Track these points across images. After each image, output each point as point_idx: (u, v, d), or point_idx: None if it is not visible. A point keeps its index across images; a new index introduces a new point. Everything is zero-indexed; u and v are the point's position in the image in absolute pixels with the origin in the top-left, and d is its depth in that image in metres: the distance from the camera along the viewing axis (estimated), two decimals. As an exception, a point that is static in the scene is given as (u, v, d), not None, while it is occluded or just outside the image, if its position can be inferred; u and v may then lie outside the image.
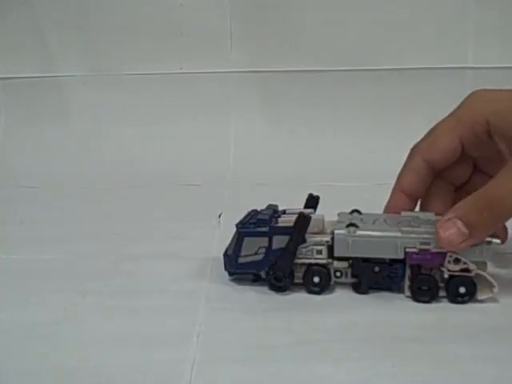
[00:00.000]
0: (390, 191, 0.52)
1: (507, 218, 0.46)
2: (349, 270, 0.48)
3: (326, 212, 0.50)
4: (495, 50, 0.77)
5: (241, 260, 0.49)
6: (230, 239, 0.50)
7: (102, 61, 0.81)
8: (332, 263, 0.48)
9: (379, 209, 0.52)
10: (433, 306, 0.47)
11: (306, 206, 0.51)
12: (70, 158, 0.80)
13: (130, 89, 0.81)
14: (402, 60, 0.78)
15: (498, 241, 0.46)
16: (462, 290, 0.46)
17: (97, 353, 0.41)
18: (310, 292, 0.48)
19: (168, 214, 0.66)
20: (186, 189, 0.73)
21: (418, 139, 0.52)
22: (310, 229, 0.48)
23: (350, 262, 0.48)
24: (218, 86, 0.81)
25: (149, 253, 0.56)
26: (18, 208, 0.68)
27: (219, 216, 0.64)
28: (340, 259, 0.48)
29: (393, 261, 0.47)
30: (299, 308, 0.47)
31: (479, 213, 0.45)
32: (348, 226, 0.47)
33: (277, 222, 0.48)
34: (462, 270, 0.46)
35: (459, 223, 0.45)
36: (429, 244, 0.46)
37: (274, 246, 0.48)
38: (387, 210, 0.52)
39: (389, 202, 0.52)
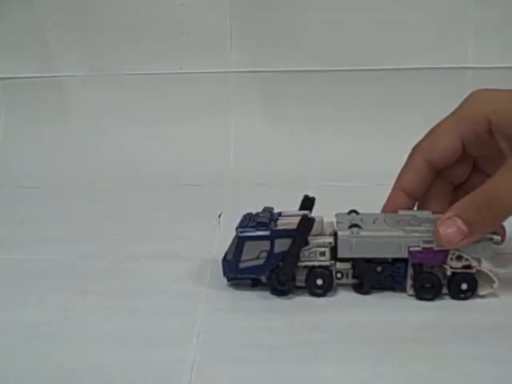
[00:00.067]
0: (389, 191, 0.52)
1: (506, 217, 0.46)
2: (350, 271, 0.48)
3: (326, 212, 0.50)
4: (495, 49, 0.77)
5: (241, 265, 0.48)
6: (230, 241, 0.50)
7: (102, 61, 0.81)
8: (334, 265, 0.48)
9: (379, 209, 0.52)
10: (433, 305, 0.47)
11: (301, 208, 0.50)
12: (70, 158, 0.80)
13: (130, 89, 0.81)
14: (401, 60, 0.78)
15: (498, 237, 0.47)
16: (464, 286, 0.47)
17: (97, 353, 0.41)
18: (313, 295, 0.48)
19: (168, 214, 0.66)
20: (185, 189, 0.73)
21: (418, 139, 0.52)
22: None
23: (352, 262, 0.48)
24: (218, 86, 0.81)
25: (149, 253, 0.56)
26: (17, 208, 0.68)
27: (219, 216, 0.64)
28: (342, 260, 0.48)
29: (395, 260, 0.47)
30: (299, 308, 0.47)
31: (478, 211, 0.45)
32: (350, 226, 0.47)
33: (276, 225, 0.48)
34: (464, 267, 0.47)
35: (459, 221, 0.45)
36: (432, 242, 0.46)
37: (276, 249, 0.47)
38: (386, 208, 0.52)
39: (388, 200, 0.52)
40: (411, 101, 0.78)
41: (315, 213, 0.50)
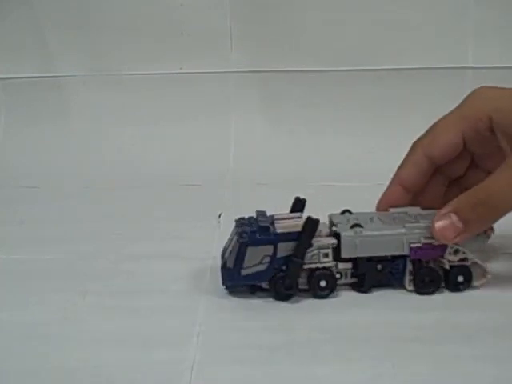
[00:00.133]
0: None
1: (502, 215, 0.46)
2: (349, 271, 0.48)
3: (326, 212, 0.50)
4: (495, 49, 0.77)
5: (244, 272, 0.46)
6: (230, 234, 0.49)
7: (102, 61, 0.81)
8: (336, 265, 0.48)
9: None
10: (433, 305, 0.47)
11: (292, 210, 0.50)
12: (70, 158, 0.80)
13: (130, 89, 0.81)
14: (401, 60, 0.78)
15: (491, 231, 0.48)
16: (461, 278, 0.48)
17: (97, 353, 0.41)
18: (317, 296, 0.47)
19: (168, 214, 0.66)
20: (185, 189, 0.73)
21: (419, 139, 0.52)
22: None
23: (353, 262, 0.48)
24: (218, 86, 0.81)
25: (149, 253, 0.56)
26: (17, 208, 0.68)
27: (219, 216, 0.64)
28: (343, 260, 0.47)
29: (394, 257, 0.48)
30: (299, 308, 0.46)
31: (474, 208, 0.46)
32: (352, 226, 0.47)
33: (275, 229, 0.47)
34: (460, 260, 0.48)
35: (454, 218, 0.46)
36: (432, 238, 0.47)
37: (279, 253, 0.46)
38: (383, 201, 0.52)
39: (385, 193, 0.52)
40: (411, 101, 0.78)
41: (315, 213, 0.49)
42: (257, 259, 0.46)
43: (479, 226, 0.47)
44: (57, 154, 0.80)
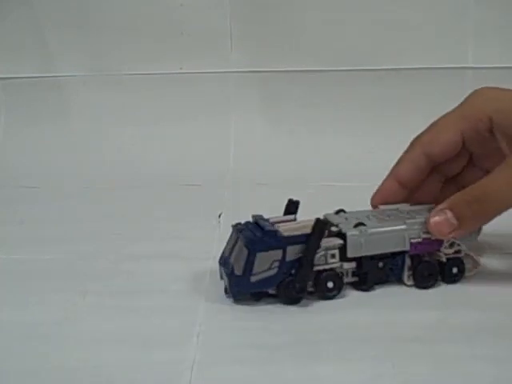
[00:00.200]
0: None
1: (496, 214, 0.46)
2: (350, 270, 0.48)
3: (326, 212, 0.50)
4: (495, 49, 0.77)
5: (253, 278, 0.45)
6: (228, 241, 0.49)
7: (102, 61, 0.81)
8: (342, 265, 0.47)
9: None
10: (433, 305, 0.47)
11: (286, 212, 0.49)
12: (70, 158, 0.80)
13: (130, 89, 0.81)
14: (401, 60, 0.78)
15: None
16: (455, 270, 0.49)
17: (97, 353, 0.41)
18: (325, 298, 0.47)
19: (168, 214, 0.66)
20: (185, 189, 0.73)
21: (418, 138, 0.52)
22: None
23: (357, 261, 0.48)
24: (218, 86, 0.81)
25: (149, 253, 0.56)
26: (17, 208, 0.68)
27: (219, 216, 0.64)
28: (349, 260, 0.47)
29: (393, 253, 0.48)
30: (299, 308, 0.46)
31: (469, 206, 0.46)
32: (356, 225, 0.47)
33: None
34: (455, 252, 0.49)
35: (449, 214, 0.47)
36: (430, 232, 0.48)
37: (288, 257, 0.45)
38: (378, 195, 0.52)
39: (381, 188, 0.52)
40: (411, 101, 0.78)
41: (315, 213, 0.49)
42: (266, 265, 0.45)
43: (474, 223, 0.47)
44: (57, 154, 0.80)
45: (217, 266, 0.49)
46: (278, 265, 0.45)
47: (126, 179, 0.75)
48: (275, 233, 0.46)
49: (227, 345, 0.42)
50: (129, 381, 0.39)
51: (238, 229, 0.48)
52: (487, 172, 0.47)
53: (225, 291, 0.48)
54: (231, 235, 0.48)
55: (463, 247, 0.49)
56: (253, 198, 0.68)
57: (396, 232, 0.48)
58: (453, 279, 0.49)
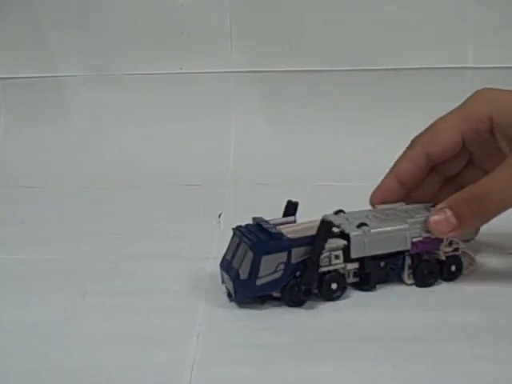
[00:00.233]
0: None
1: (496, 213, 0.47)
2: (352, 271, 0.48)
3: (326, 212, 0.50)
4: (495, 49, 0.77)
5: (259, 282, 0.45)
6: (229, 245, 0.48)
7: (102, 61, 0.81)
8: (345, 266, 0.47)
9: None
10: (433, 305, 0.47)
11: (285, 213, 0.49)
12: (70, 158, 0.80)
13: (130, 89, 0.81)
14: (401, 60, 0.78)
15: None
16: (453, 268, 0.49)
17: (97, 353, 0.41)
18: (330, 299, 0.47)
19: (168, 214, 0.66)
20: (185, 189, 0.73)
21: (418, 138, 0.52)
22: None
23: (360, 261, 0.48)
24: (218, 86, 0.81)
25: (149, 253, 0.56)
26: (18, 208, 0.68)
27: (219, 216, 0.64)
28: (352, 261, 0.47)
29: (394, 253, 0.48)
30: (299, 308, 0.46)
31: (468, 205, 0.46)
32: (359, 226, 0.47)
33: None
34: (453, 250, 0.49)
35: (449, 213, 0.47)
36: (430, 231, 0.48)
37: (293, 259, 0.45)
38: (377, 193, 0.52)
39: (380, 186, 0.53)
40: (411, 101, 0.78)
41: (315, 213, 0.49)
42: (272, 267, 0.45)
43: (473, 222, 0.48)
44: (57, 154, 0.80)
45: (217, 265, 0.48)
46: (283, 267, 0.45)
47: (126, 179, 0.75)
48: (281, 235, 0.45)
49: (227, 345, 0.42)
50: (129, 381, 0.39)
51: (240, 231, 0.47)
52: (486, 172, 0.47)
53: (228, 296, 0.47)
54: (232, 238, 0.48)
55: (461, 245, 0.49)
56: (253, 198, 0.68)
57: (398, 232, 0.48)
58: (451, 277, 0.49)
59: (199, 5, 0.79)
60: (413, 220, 0.48)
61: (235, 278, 0.45)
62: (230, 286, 0.46)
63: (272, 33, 0.79)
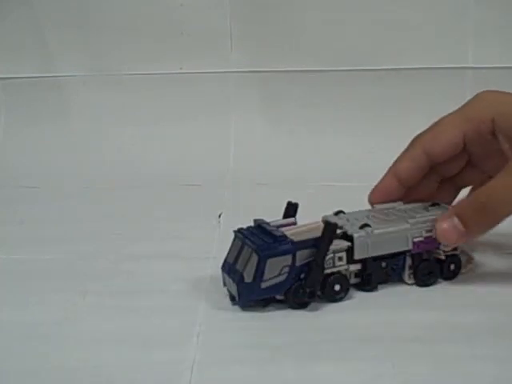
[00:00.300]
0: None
1: (503, 218, 0.47)
2: (353, 271, 0.48)
3: (326, 212, 0.50)
4: (495, 49, 0.77)
5: (263, 285, 0.44)
6: (229, 241, 0.48)
7: (102, 61, 0.81)
8: (348, 268, 0.47)
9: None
10: (433, 305, 0.47)
11: (285, 215, 0.49)
12: (70, 158, 0.80)
13: (130, 89, 0.81)
14: (401, 60, 0.78)
15: None
16: (453, 267, 0.50)
17: (97, 353, 0.41)
18: (333, 301, 0.47)
19: (168, 214, 0.66)
20: (185, 189, 0.73)
21: (419, 138, 0.52)
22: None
23: (362, 262, 0.47)
24: (218, 86, 0.81)
25: (149, 253, 0.56)
26: (18, 208, 0.68)
27: (219, 216, 0.64)
28: (355, 262, 0.47)
29: (395, 253, 0.48)
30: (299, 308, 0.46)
31: (476, 212, 0.46)
32: (361, 227, 0.47)
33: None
34: (452, 249, 0.49)
35: (456, 221, 0.47)
36: (431, 231, 0.48)
37: (298, 262, 0.45)
38: (377, 191, 0.52)
39: (380, 185, 0.53)
40: (411, 101, 0.78)
41: (315, 213, 0.49)
42: (276, 270, 0.45)
43: (481, 229, 0.47)
44: (57, 154, 0.80)
45: (217, 265, 0.48)
46: (287, 270, 0.45)
47: (126, 179, 0.75)
48: (285, 238, 0.45)
49: (227, 345, 0.42)
50: (129, 381, 0.39)
51: (242, 234, 0.47)
52: (485, 173, 0.47)
53: (231, 299, 0.47)
54: (234, 241, 0.48)
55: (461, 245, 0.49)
56: (253, 198, 0.68)
57: (400, 232, 0.48)
58: (450, 275, 0.50)
59: (199, 5, 0.79)
60: (414, 220, 0.48)
61: (239, 281, 0.45)
62: (234, 289, 0.46)
63: (272, 33, 0.79)
